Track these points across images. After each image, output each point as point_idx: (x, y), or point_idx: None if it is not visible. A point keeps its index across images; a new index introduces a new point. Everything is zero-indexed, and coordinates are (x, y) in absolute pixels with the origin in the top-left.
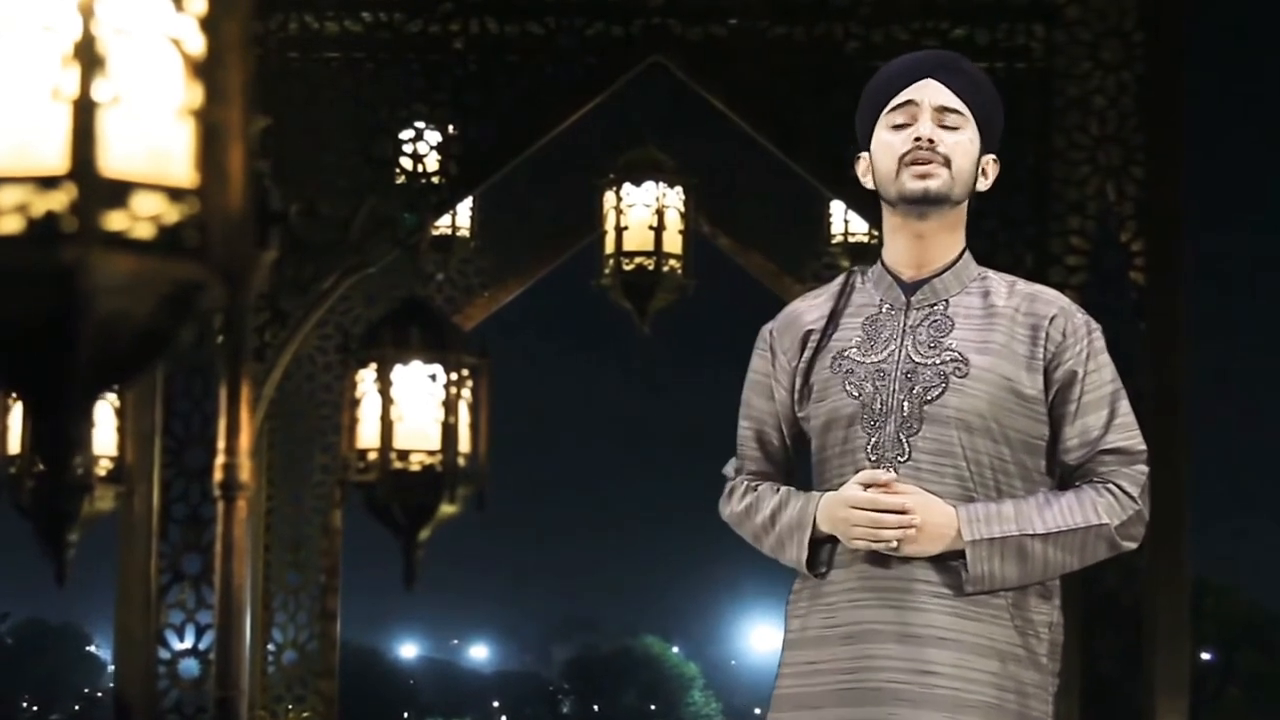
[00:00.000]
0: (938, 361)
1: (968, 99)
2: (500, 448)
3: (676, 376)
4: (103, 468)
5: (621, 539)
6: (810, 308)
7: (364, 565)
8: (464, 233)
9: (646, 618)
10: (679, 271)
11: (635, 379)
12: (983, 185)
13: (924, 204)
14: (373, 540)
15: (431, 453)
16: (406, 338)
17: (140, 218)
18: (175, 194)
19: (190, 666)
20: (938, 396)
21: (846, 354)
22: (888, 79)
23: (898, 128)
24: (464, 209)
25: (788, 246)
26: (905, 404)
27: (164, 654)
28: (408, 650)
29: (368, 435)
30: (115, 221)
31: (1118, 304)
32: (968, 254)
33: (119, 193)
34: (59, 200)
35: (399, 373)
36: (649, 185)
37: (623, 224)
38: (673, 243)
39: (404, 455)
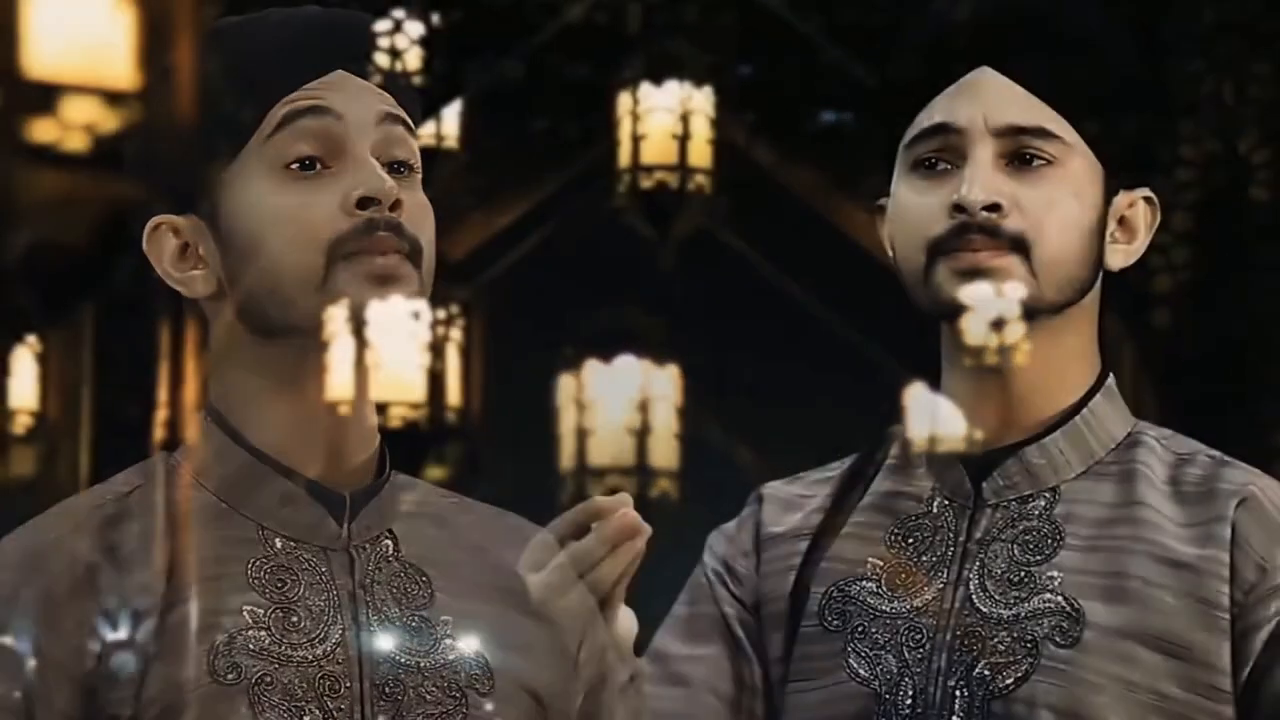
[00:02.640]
0: (1024, 614)
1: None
2: (503, 399)
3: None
4: (20, 424)
5: None
6: (797, 499)
7: None
8: (451, 144)
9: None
10: (706, 190)
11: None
12: (1119, 260)
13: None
14: None
15: (415, 405)
16: None
17: (72, 127)
18: (113, 98)
19: (125, 661)
20: (1016, 685)
21: (853, 592)
22: None
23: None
24: (451, 115)
25: None
26: (958, 694)
27: (94, 645)
28: None
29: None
30: (43, 131)
31: (1235, 228)
32: (1103, 396)
33: (47, 97)
34: None
35: (375, 309)
36: (671, 86)
37: (640, 132)
38: (700, 154)
39: (381, 409)
